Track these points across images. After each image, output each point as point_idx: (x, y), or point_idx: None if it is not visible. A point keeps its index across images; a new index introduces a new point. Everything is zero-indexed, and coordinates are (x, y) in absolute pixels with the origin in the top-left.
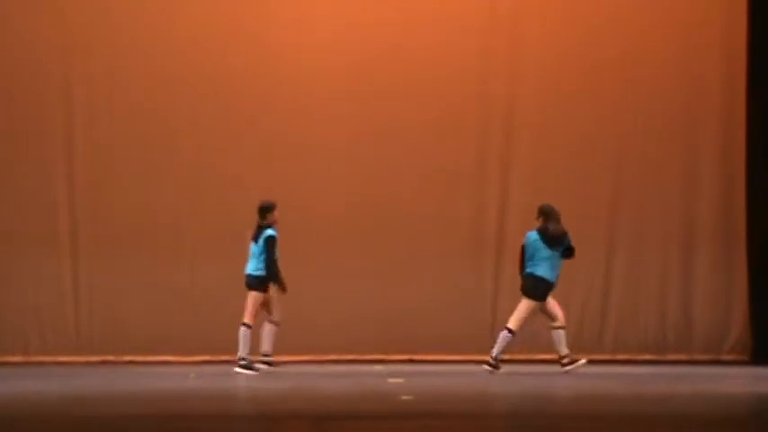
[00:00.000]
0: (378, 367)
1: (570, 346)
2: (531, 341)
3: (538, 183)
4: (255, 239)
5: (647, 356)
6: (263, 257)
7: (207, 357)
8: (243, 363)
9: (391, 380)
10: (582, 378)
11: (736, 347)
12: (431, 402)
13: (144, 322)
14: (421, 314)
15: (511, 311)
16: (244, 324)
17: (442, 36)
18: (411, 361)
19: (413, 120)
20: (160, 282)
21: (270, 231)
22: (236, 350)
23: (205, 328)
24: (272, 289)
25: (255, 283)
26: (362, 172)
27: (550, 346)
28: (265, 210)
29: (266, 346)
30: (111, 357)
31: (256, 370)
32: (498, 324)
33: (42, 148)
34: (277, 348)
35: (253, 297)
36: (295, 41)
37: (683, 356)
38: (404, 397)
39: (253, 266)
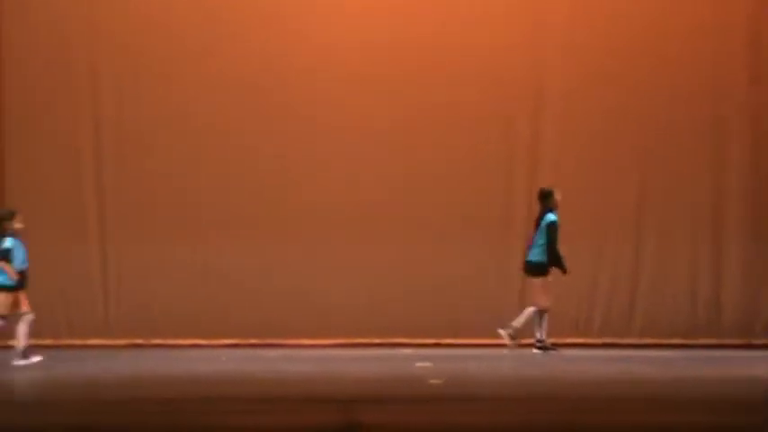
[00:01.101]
0: (406, 351)
1: (600, 330)
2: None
3: (565, 167)
4: (537, 225)
5: (677, 340)
6: (542, 243)
7: (236, 341)
8: (540, 345)
9: (419, 364)
10: (611, 362)
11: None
12: (459, 386)
13: (172, 305)
14: (449, 298)
15: None
16: (538, 308)
17: (470, 24)
18: (439, 345)
19: (441, 106)
20: (189, 264)
21: (551, 216)
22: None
23: (234, 312)
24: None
25: (537, 269)
26: (391, 158)
27: (580, 329)
28: (546, 195)
29: (538, 333)
30: (139, 340)
31: (553, 349)
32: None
33: (69, 132)
34: (304, 332)
35: (537, 283)
36: (329, 27)
37: (713, 340)
38: (432, 381)
39: (534, 253)
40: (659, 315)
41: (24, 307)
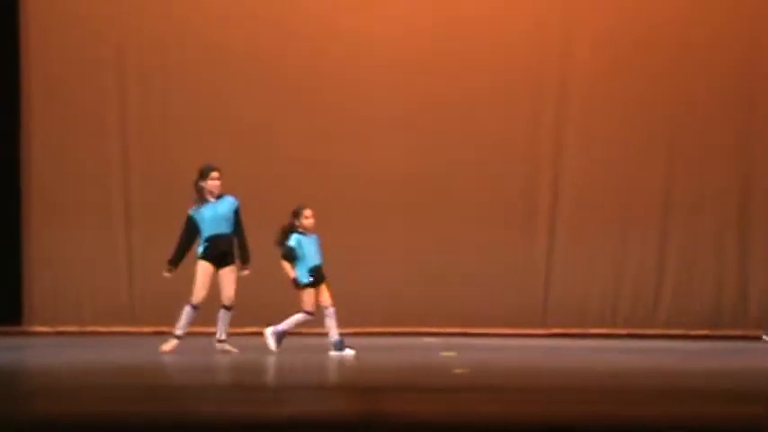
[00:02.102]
0: (429, 340)
1: (624, 320)
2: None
3: (590, 155)
4: None
5: (702, 331)
6: None
7: (259, 329)
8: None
9: (444, 353)
10: (635, 353)
11: None
12: (484, 376)
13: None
14: (474, 287)
15: (564, 284)
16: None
17: (496, 7)
18: (463, 334)
19: (465, 91)
20: None
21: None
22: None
23: (259, 300)
24: None
25: None
26: (415, 143)
27: (606, 320)
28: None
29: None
30: (164, 328)
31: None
32: (551, 297)
33: (95, 119)
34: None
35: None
36: (351, 12)
37: (738, 332)
38: (457, 370)
39: None
40: (685, 305)
41: (324, 301)
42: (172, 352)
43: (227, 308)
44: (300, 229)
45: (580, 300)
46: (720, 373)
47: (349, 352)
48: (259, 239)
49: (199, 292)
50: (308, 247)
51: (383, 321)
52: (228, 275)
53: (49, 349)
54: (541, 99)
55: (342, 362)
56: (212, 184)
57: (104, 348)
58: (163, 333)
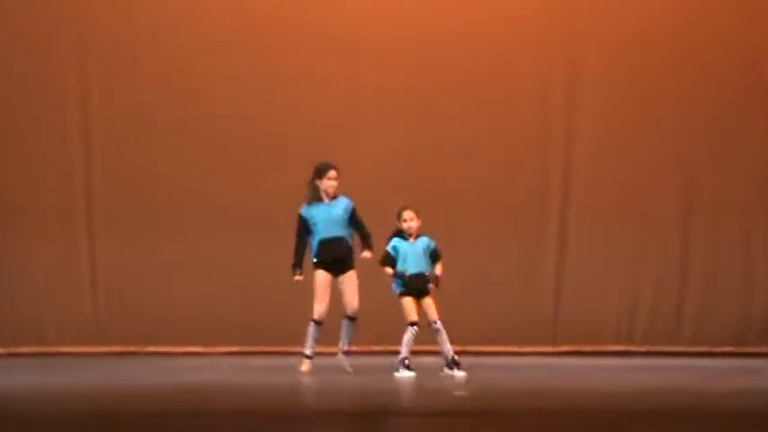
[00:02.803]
0: (427, 359)
1: (643, 336)
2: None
3: (604, 149)
4: None
5: (728, 348)
6: None
7: (238, 348)
8: None
9: (442, 373)
10: (655, 371)
11: None
12: (486, 399)
13: (170, 308)
14: (475, 300)
15: (576, 296)
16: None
17: None
18: (464, 353)
19: (470, 79)
20: (189, 263)
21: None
22: (268, 340)
23: (238, 316)
24: None
25: None
26: (416, 146)
27: (621, 337)
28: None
29: None
30: (133, 348)
31: None
32: (562, 311)
33: (56, 123)
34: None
35: None
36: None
37: (766, 348)
38: (457, 393)
39: None
40: (710, 319)
41: (429, 315)
42: (309, 373)
43: (351, 318)
44: (402, 233)
45: (593, 314)
46: (749, 393)
47: (460, 373)
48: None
49: (318, 305)
50: (406, 253)
51: (374, 339)
52: (349, 283)
53: (7, 373)
54: (550, 90)
55: (341, 384)
56: (329, 184)
57: (69, 371)
58: (134, 353)
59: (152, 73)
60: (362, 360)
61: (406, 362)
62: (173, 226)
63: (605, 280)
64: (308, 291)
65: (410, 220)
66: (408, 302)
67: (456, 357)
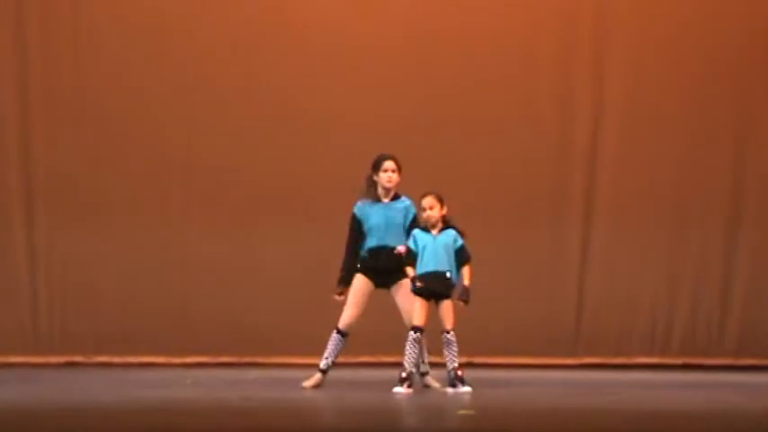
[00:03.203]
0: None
1: (680, 347)
2: None
3: (636, 132)
4: None
5: None
6: None
7: (203, 359)
8: None
9: (461, 411)
10: (695, 388)
11: None
12: (496, 419)
13: (122, 313)
14: (486, 306)
15: (602, 301)
16: None
17: None
18: (470, 365)
19: (484, 68)
20: (143, 260)
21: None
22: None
23: (202, 321)
24: None
25: None
26: (424, 133)
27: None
28: None
29: None
30: (79, 358)
31: None
32: (585, 318)
33: None
34: (292, 348)
35: None
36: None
37: None
38: (461, 412)
39: None
40: (758, 328)
41: (442, 323)
42: (315, 387)
43: (417, 330)
44: (422, 224)
45: (622, 321)
46: None
47: (465, 389)
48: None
49: (347, 312)
50: (425, 247)
51: (366, 349)
52: (405, 293)
53: None
54: (573, 81)
55: (302, 401)
56: (385, 177)
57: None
58: (76, 364)
59: (99, 60)
60: (361, 373)
61: (403, 375)
62: (126, 219)
63: (635, 281)
64: (286, 294)
65: (429, 209)
66: (418, 305)
67: (460, 373)
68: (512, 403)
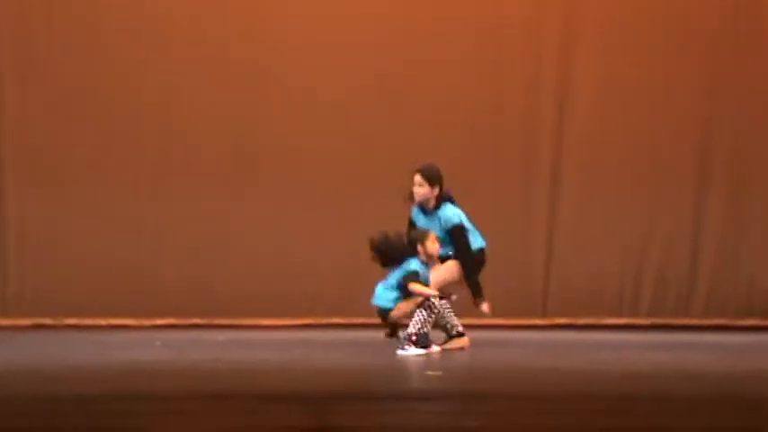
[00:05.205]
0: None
1: (648, 307)
2: None
3: (603, 89)
4: None
5: (752, 321)
6: None
7: (172, 320)
8: None
9: (430, 372)
10: (665, 350)
11: None
12: (464, 381)
13: (91, 274)
14: None
15: (570, 261)
16: None
17: None
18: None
19: (455, 40)
20: (114, 220)
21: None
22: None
23: (172, 283)
24: None
25: None
26: (397, 106)
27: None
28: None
29: None
30: (47, 320)
31: None
32: (554, 278)
33: None
34: (263, 309)
35: None
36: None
37: None
38: (429, 372)
39: None
40: (727, 288)
41: None
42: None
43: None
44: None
45: (590, 281)
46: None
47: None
48: None
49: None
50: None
51: (334, 311)
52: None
53: None
54: (541, 34)
55: (272, 364)
56: (413, 190)
57: None
58: (45, 326)
59: (70, 19)
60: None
61: (414, 338)
62: (96, 178)
63: (604, 240)
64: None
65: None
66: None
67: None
68: (480, 364)
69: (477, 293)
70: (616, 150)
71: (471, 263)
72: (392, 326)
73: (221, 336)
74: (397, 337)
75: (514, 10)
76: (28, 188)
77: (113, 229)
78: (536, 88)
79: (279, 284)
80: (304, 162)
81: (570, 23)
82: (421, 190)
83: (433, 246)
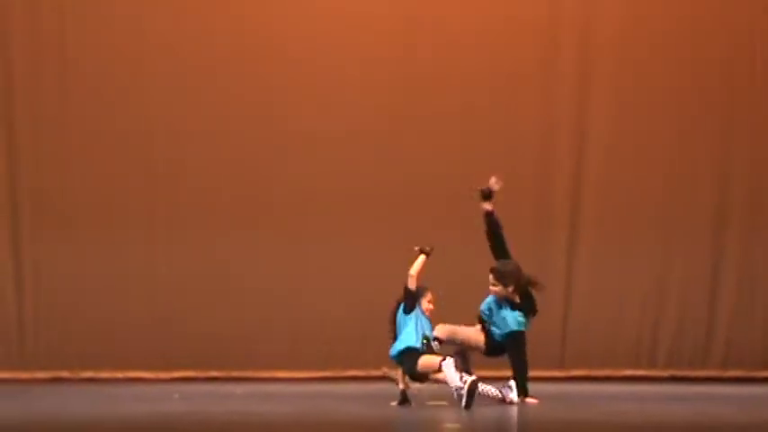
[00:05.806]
0: (414, 386)
1: (666, 359)
2: None
3: (621, 143)
4: None
5: None
6: None
7: (190, 373)
8: None
9: (432, 402)
10: (680, 401)
11: None
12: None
13: (108, 328)
14: (468, 316)
15: (588, 312)
16: None
17: None
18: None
19: (467, 70)
20: (129, 275)
21: None
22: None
23: (188, 335)
24: None
25: None
26: (405, 129)
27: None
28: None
29: None
30: (65, 373)
31: None
32: (571, 330)
33: None
34: (281, 362)
35: None
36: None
37: None
38: (448, 425)
39: None
40: (745, 339)
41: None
42: None
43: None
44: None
45: (608, 333)
46: None
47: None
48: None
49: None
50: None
51: (350, 363)
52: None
53: None
54: (558, 84)
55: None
56: (428, 309)
57: None
58: (62, 380)
59: (82, 65)
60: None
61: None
62: (113, 233)
63: (622, 292)
64: (272, 308)
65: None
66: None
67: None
68: (499, 417)
69: (522, 393)
70: (632, 203)
71: (523, 370)
72: (403, 394)
73: (239, 388)
74: (409, 404)
75: (529, 52)
76: (45, 243)
77: (129, 283)
78: (552, 132)
79: (295, 336)
80: (319, 211)
81: (584, 65)
82: (494, 289)
83: (427, 305)
